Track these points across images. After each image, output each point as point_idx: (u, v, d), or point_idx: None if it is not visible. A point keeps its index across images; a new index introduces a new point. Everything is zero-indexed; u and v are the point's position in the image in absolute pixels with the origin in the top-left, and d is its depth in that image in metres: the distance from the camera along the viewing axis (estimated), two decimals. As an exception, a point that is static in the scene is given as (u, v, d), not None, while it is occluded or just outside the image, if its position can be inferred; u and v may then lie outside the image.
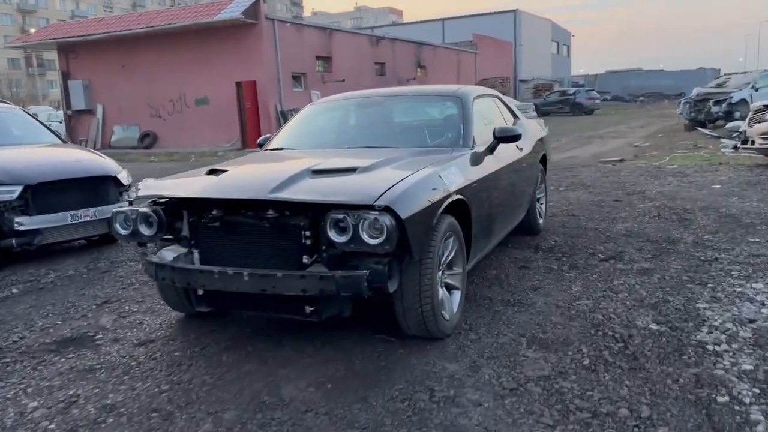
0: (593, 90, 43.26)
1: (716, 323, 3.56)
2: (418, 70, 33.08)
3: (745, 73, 24.29)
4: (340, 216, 2.98)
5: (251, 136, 21.06)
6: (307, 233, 3.15)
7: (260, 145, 5.10)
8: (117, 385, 3.10)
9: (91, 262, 5.76)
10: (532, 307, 3.96)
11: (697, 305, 3.87)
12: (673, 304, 3.90)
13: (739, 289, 4.14)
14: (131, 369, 3.30)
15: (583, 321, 3.68)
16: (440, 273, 3.44)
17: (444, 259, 3.48)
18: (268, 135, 5.27)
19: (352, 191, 3.16)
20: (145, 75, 23.48)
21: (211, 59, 22.19)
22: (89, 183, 5.96)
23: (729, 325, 3.53)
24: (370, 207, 2.95)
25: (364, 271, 3.03)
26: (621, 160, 12.23)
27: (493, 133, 4.33)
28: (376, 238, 2.94)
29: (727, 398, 2.72)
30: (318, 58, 24.90)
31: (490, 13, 51.93)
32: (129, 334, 3.84)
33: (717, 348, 3.24)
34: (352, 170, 3.44)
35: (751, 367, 3.00)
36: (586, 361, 3.14)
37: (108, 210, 5.36)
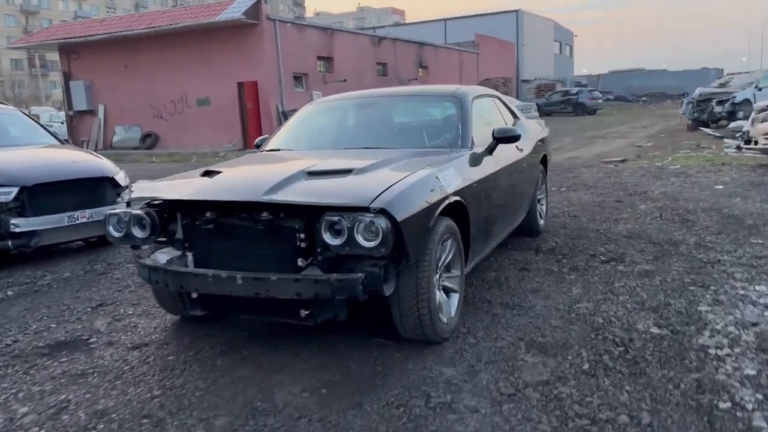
0: (596, 90, 43.22)
1: (718, 327, 3.51)
2: (420, 70, 33.03)
3: (748, 72, 24.21)
4: (335, 218, 2.93)
5: (253, 136, 20.98)
6: (302, 236, 3.10)
7: (258, 146, 5.05)
8: (109, 390, 3.06)
9: (88, 264, 5.72)
10: (532, 310, 3.90)
11: (699, 308, 3.81)
12: (674, 307, 3.84)
13: (742, 292, 4.08)
14: (124, 373, 3.25)
15: (583, 324, 3.63)
16: (437, 276, 3.39)
17: (441, 261, 3.43)
18: (265, 136, 5.22)
19: (347, 193, 3.11)
20: (146, 75, 23.46)
21: (213, 60, 22.18)
22: (86, 184, 5.92)
23: (731, 328, 3.47)
24: (365, 209, 2.91)
25: (360, 274, 2.98)
26: (623, 161, 12.17)
27: (492, 133, 4.28)
28: (372, 240, 2.89)
29: (729, 404, 2.66)
30: (319, 58, 24.88)
31: (493, 13, 51.84)
32: (123, 337, 3.80)
33: (719, 352, 3.18)
34: (347, 172, 3.39)
35: (754, 372, 2.94)
36: (586, 366, 3.08)
37: (105, 211, 5.32)
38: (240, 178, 3.66)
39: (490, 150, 4.30)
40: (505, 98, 5.87)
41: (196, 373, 3.20)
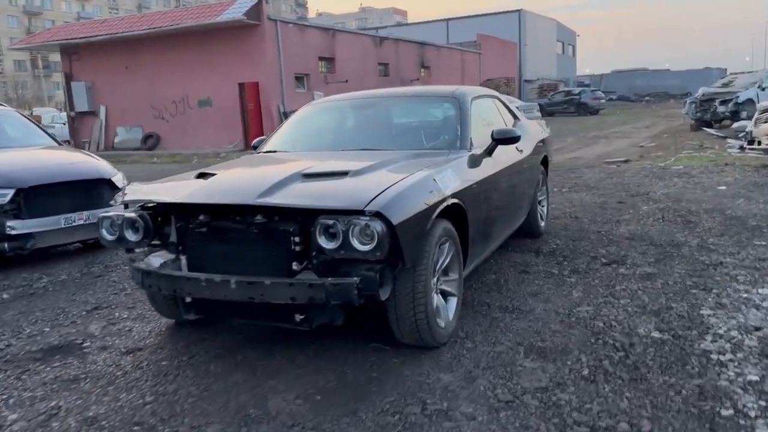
0: (598, 90, 43.08)
1: (721, 331, 3.45)
2: (422, 70, 32.98)
3: (751, 72, 24.08)
4: (330, 222, 2.88)
5: (254, 137, 20.60)
6: (297, 239, 3.05)
7: (255, 147, 5.01)
8: (100, 396, 3.01)
9: (85, 267, 5.68)
10: (531, 313, 3.85)
11: (701, 312, 3.75)
12: (676, 311, 3.78)
13: (745, 295, 4.02)
14: (116, 379, 3.20)
15: (583, 329, 3.57)
16: (435, 279, 3.33)
17: (439, 265, 3.38)
18: (263, 137, 5.17)
19: (342, 196, 3.06)
20: (147, 76, 23.45)
21: (214, 60, 22.15)
22: (83, 186, 5.88)
23: (734, 333, 3.41)
24: (360, 212, 2.85)
25: (355, 278, 2.93)
26: (626, 161, 12.10)
27: (492, 134, 4.22)
28: (367, 244, 2.84)
29: (731, 411, 2.61)
30: (321, 58, 24.85)
31: (495, 13, 51.77)
32: (117, 341, 3.75)
33: (721, 357, 3.12)
34: (343, 174, 3.34)
35: (757, 378, 2.88)
36: (586, 372, 3.03)
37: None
38: (234, 181, 3.61)
39: (489, 151, 4.24)
40: (505, 98, 5.82)
41: (190, 378, 3.16)
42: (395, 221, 2.84)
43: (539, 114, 23.02)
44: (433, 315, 3.22)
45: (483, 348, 3.35)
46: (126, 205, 3.53)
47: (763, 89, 17.19)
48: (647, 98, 55.93)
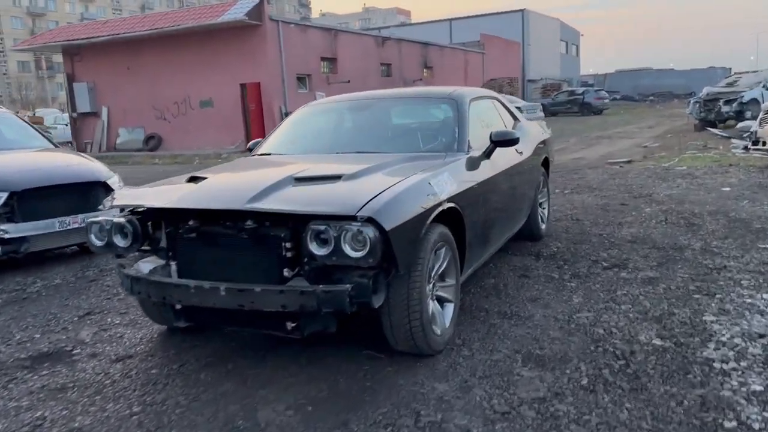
0: (602, 90, 42.93)
1: (724, 338, 3.36)
2: (425, 70, 32.88)
3: (756, 71, 23.90)
4: (321, 227, 2.81)
5: (256, 137, 20.82)
6: (288, 245, 2.97)
7: (250, 150, 4.93)
8: (87, 407, 2.94)
9: (80, 270, 5.62)
10: (530, 319, 3.76)
11: (704, 318, 3.67)
12: (678, 317, 3.69)
13: (749, 301, 3.93)
14: (104, 388, 3.13)
15: (583, 336, 3.49)
16: (431, 285, 3.25)
17: (435, 270, 3.30)
18: (259, 139, 5.10)
19: (334, 201, 2.99)
20: (149, 77, 23.42)
21: (216, 61, 22.11)
22: (78, 189, 5.82)
23: (738, 340, 3.33)
24: (352, 218, 2.78)
25: (347, 285, 2.85)
26: (629, 162, 12.00)
27: (490, 137, 4.14)
28: (359, 250, 2.76)
29: (734, 423, 2.52)
30: (323, 59, 24.78)
31: (498, 13, 51.63)
32: (108, 348, 3.68)
33: (724, 366, 3.03)
34: (336, 178, 3.26)
35: (761, 388, 2.79)
36: (585, 381, 2.94)
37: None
38: (224, 185, 3.53)
39: (487, 154, 4.16)
40: (507, 98, 5.73)
41: (179, 387, 3.08)
42: (388, 227, 2.76)
43: (542, 114, 22.93)
44: (428, 322, 3.15)
45: (480, 356, 3.27)
46: (122, 209, 3.47)
47: (768, 89, 17.07)
48: (651, 98, 55.74)
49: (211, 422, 2.72)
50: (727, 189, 8.17)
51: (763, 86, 17.44)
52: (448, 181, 3.45)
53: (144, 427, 2.72)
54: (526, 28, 50.01)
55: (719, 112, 18.37)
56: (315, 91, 23.19)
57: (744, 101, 17.34)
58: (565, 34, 60.57)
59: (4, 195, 5.33)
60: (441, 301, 3.41)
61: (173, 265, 3.27)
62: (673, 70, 70.77)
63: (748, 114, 16.55)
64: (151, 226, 3.35)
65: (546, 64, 52.86)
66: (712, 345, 3.29)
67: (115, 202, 3.41)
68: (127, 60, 23.58)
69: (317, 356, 3.33)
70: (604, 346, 3.32)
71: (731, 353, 3.17)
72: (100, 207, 3.50)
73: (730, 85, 20.76)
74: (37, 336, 3.96)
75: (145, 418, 2.80)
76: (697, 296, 4.05)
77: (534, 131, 5.83)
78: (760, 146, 9.88)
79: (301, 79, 23.58)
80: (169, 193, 3.34)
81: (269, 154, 4.51)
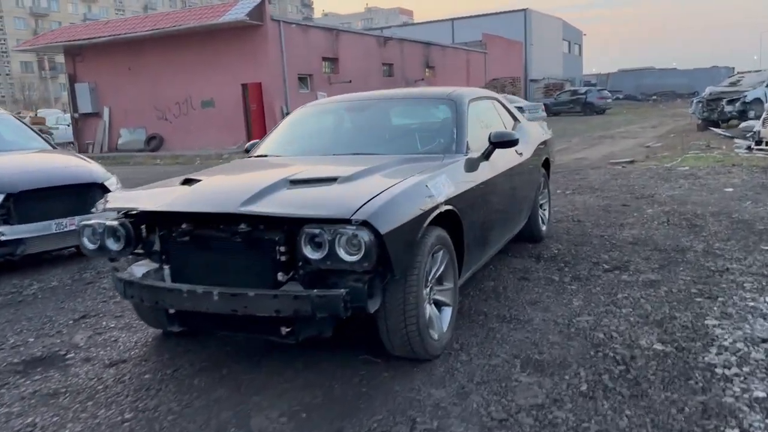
0: (605, 89, 42.83)
1: (726, 343, 3.30)
2: (427, 70, 32.82)
3: (759, 71, 23.80)
4: (316, 231, 2.76)
5: (257, 138, 20.80)
6: (282, 248, 2.92)
7: (247, 151, 4.89)
8: (78, 413, 2.89)
9: (77, 273, 5.58)
10: (530, 323, 3.71)
11: (705, 322, 3.61)
12: (680, 321, 3.64)
13: (752, 304, 3.87)
14: (97, 393, 3.09)
15: (583, 340, 3.43)
16: (428, 289, 3.20)
17: (432, 274, 3.24)
18: (256, 141, 5.05)
19: (328, 204, 2.94)
20: (150, 77, 23.40)
21: (217, 61, 22.08)
22: (75, 190, 5.78)
23: (740, 345, 3.27)
24: (347, 221, 2.73)
25: (342, 290, 2.80)
26: (631, 162, 11.93)
27: (489, 138, 4.09)
28: (354, 254, 2.71)
29: (736, 431, 2.47)
30: (324, 59, 24.74)
31: (500, 13, 51.55)
32: (102, 353, 3.64)
33: (727, 372, 2.98)
34: (332, 180, 3.21)
35: (764, 395, 2.74)
36: (584, 387, 2.89)
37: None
38: (218, 188, 3.48)
39: (486, 155, 4.11)
40: (509, 98, 5.68)
41: (172, 393, 3.04)
42: (383, 230, 2.71)
43: (544, 114, 22.87)
44: (425, 327, 3.10)
45: (478, 361, 3.22)
46: (118, 212, 3.42)
47: (771, 88, 16.97)
48: (654, 97, 55.59)
49: (203, 429, 2.68)
50: (730, 190, 8.10)
51: (766, 86, 17.34)
52: (445, 183, 3.40)
53: (135, 434, 2.67)
54: (529, 28, 49.91)
55: (722, 111, 18.30)
56: (316, 91, 23.15)
57: (747, 101, 17.25)
58: (568, 33, 60.45)
59: (1, 197, 5.30)
60: (438, 304, 3.36)
61: (166, 268, 3.22)
62: (676, 69, 70.57)
63: (751, 114, 16.46)
64: (145, 230, 3.30)
65: (548, 63, 52.75)
66: (714, 350, 3.23)
67: (108, 205, 3.37)
68: (129, 60, 23.57)
69: (313, 361, 3.28)
70: (604, 351, 3.27)
71: (733, 358, 3.12)
72: (93, 210, 3.44)
73: (733, 84, 20.68)
74: (31, 340, 3.92)
75: (136, 425, 2.75)
76: (699, 299, 4.00)
77: (534, 132, 5.77)
78: (763, 146, 9.84)
79: (302, 79, 23.55)
80: (162, 196, 3.30)
81: (266, 156, 4.47)
